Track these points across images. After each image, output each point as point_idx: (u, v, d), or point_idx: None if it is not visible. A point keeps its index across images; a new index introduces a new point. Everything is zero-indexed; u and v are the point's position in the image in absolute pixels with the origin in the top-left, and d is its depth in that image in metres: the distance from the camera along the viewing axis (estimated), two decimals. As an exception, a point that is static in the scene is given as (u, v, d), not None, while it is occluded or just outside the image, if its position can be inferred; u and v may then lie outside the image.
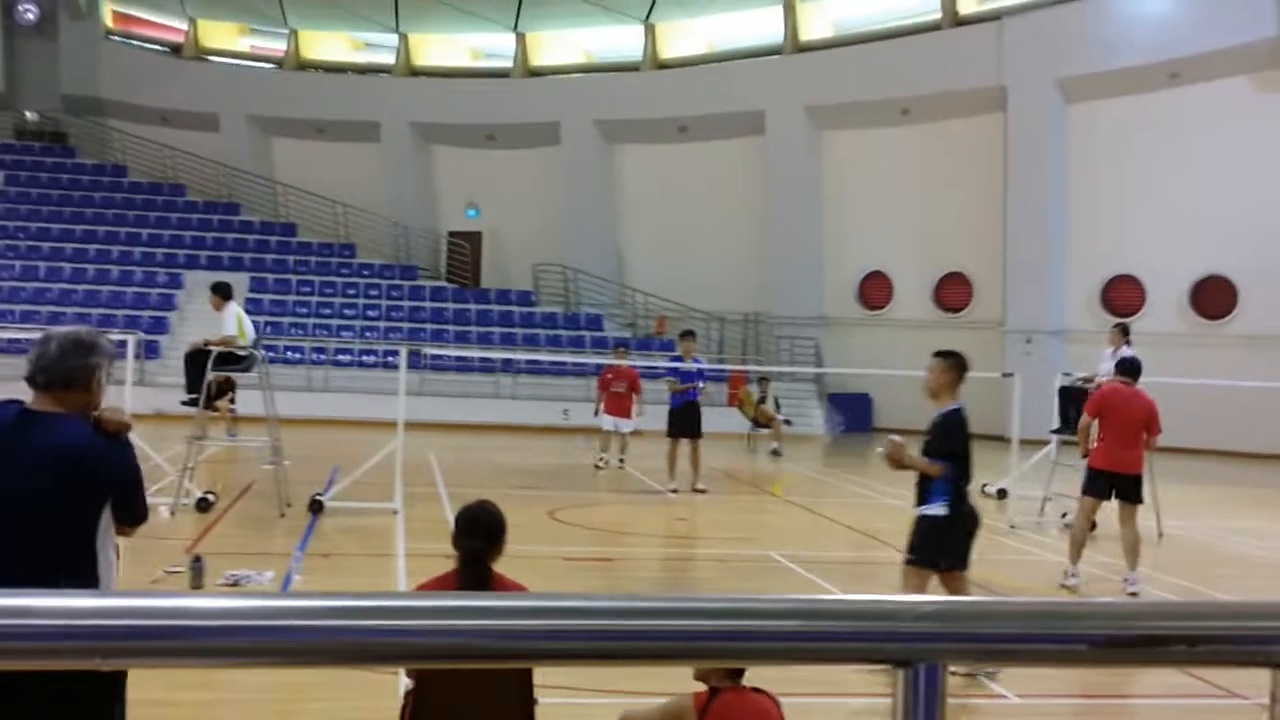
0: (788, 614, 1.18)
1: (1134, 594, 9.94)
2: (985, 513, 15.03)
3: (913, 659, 1.17)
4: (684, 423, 16.04)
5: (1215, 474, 21.24)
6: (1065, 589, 10.31)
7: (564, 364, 27.36)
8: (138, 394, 16.01)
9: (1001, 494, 16.04)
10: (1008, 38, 26.90)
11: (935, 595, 7.55)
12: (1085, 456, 10.66)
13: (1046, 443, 15.29)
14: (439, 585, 4.42)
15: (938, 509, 7.44)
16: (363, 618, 1.20)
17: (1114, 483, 10.30)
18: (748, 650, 1.23)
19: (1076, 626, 1.20)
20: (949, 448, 7.37)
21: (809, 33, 30.43)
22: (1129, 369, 10.74)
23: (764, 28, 30.74)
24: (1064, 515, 13.92)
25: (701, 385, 16.70)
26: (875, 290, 30.46)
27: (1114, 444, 10.26)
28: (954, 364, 7.56)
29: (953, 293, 29.50)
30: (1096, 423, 10.42)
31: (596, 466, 18.25)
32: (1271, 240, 24.55)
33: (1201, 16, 24.39)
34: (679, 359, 17.08)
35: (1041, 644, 1.20)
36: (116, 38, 35.30)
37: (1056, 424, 14.72)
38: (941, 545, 7.49)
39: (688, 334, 17.15)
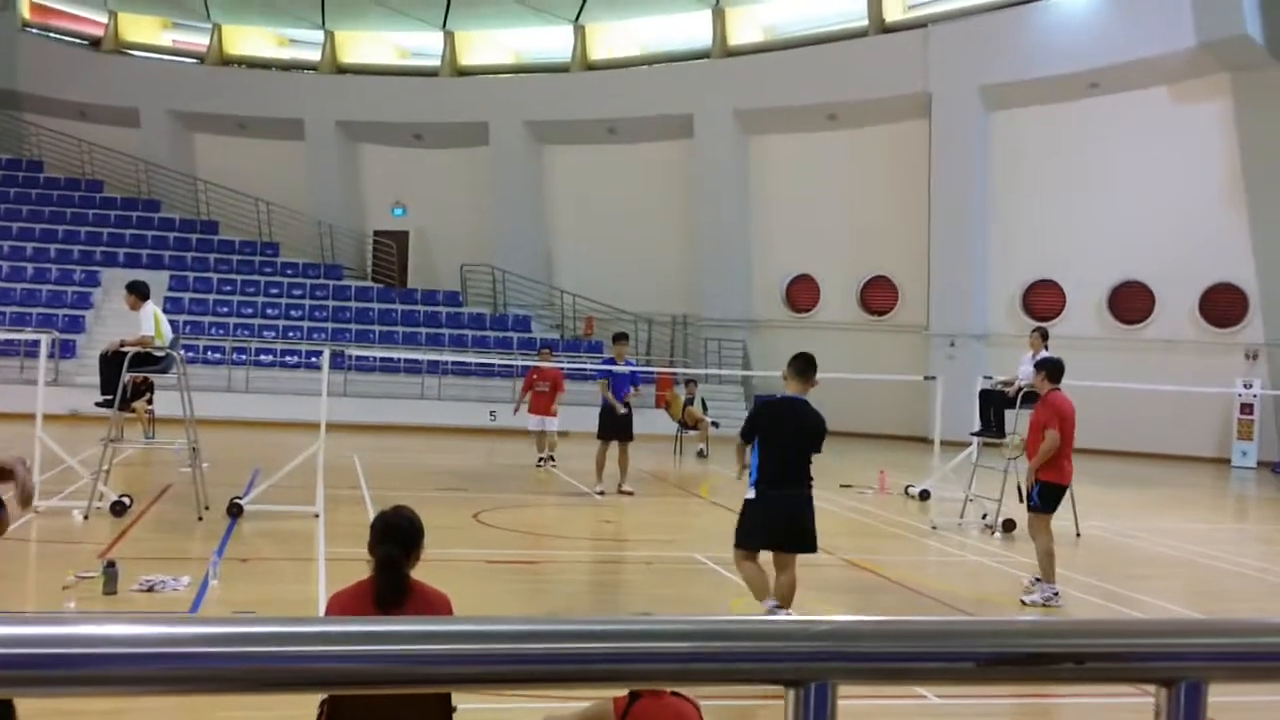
0: (682, 635, 1.18)
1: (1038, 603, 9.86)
2: (909, 514, 15.28)
3: (804, 679, 1.17)
4: (616, 424, 16.06)
5: (1132, 475, 21.70)
6: (1048, 608, 9.74)
7: (491, 365, 27.22)
8: (52, 394, 15.70)
9: (924, 495, 16.24)
10: (933, 45, 27.26)
11: (764, 572, 8.29)
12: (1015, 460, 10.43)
13: (968, 444, 15.51)
14: (354, 593, 4.38)
15: (748, 492, 8.25)
16: (270, 644, 1.18)
17: (1063, 495, 10.24)
18: (640, 673, 1.23)
19: (964, 645, 1.21)
20: (748, 429, 8.32)
21: (738, 37, 30.60)
22: (1058, 372, 10.35)
23: (693, 31, 30.86)
24: (984, 516, 14.14)
25: (635, 390, 16.77)
26: (802, 293, 30.70)
27: (1068, 456, 10.05)
28: (792, 366, 8.58)
29: (878, 296, 29.83)
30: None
31: (538, 465, 18.41)
32: (1187, 247, 25.16)
33: (1121, 28, 24.90)
34: (611, 361, 17.11)
35: (930, 662, 1.22)
36: (34, 30, 34.46)
37: (977, 426, 14.93)
38: (743, 526, 8.22)
39: (620, 337, 17.23)
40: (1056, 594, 9.83)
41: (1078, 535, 13.61)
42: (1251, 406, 24.37)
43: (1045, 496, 9.99)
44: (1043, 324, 18.41)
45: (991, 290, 27.81)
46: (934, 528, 14.02)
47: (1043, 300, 27.46)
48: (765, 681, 1.21)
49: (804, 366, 8.46)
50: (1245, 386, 23.81)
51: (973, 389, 15.59)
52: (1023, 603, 9.88)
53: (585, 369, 22.85)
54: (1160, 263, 25.67)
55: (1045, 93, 26.29)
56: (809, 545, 8.19)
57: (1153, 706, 1.35)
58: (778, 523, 8.10)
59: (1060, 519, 13.91)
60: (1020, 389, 13.95)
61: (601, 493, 15.65)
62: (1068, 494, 13.65)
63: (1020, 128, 27.05)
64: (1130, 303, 26.52)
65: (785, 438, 8.12)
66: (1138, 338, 26.20)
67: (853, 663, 1.20)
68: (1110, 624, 1.31)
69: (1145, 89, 25.37)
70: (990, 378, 15.62)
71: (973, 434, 15.11)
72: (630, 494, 15.77)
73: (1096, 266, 26.41)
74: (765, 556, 8.46)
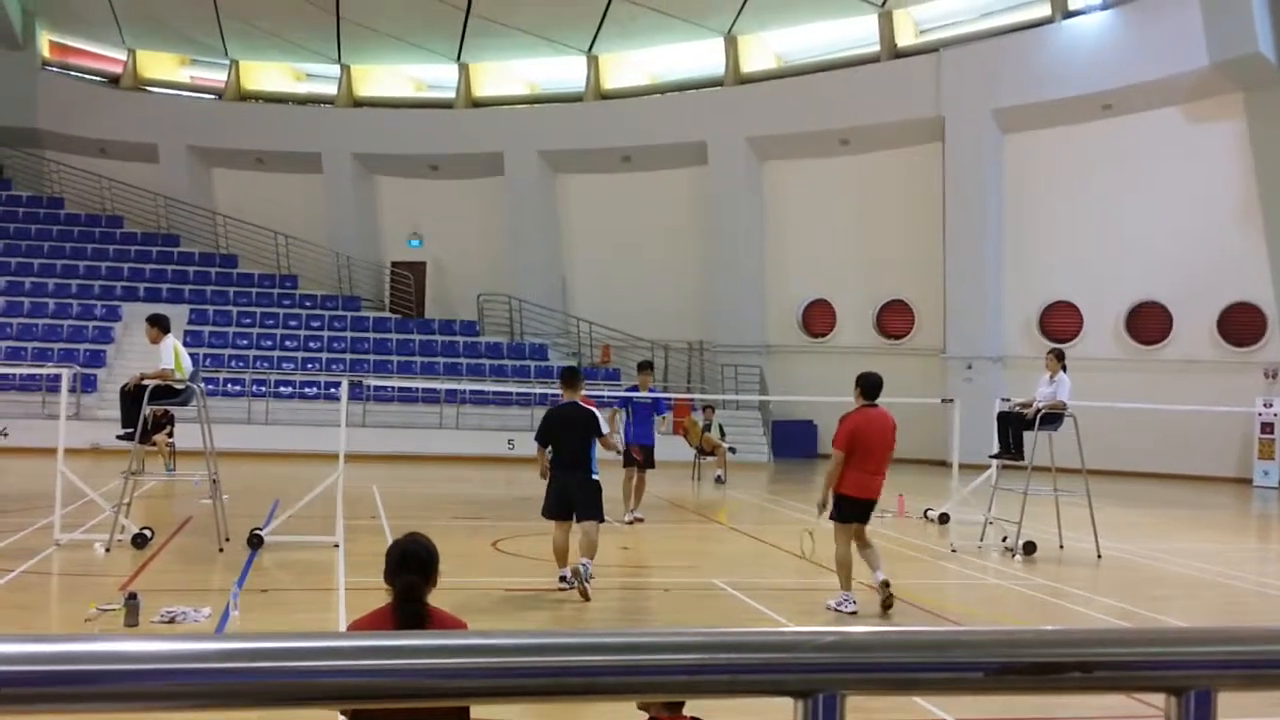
0: (689, 647, 1.19)
1: (885, 582, 9.90)
2: (928, 538, 15.22)
3: (812, 690, 1.18)
4: (641, 454, 16.11)
5: (1151, 496, 21.56)
6: (840, 613, 9.93)
7: (509, 394, 27.28)
8: (74, 428, 15.78)
9: (944, 518, 16.17)
10: (945, 69, 27.33)
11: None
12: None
13: (987, 467, 15.44)
14: (373, 620, 4.39)
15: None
16: (291, 660, 1.20)
17: (862, 508, 10.10)
18: (649, 685, 1.24)
19: (972, 655, 1.22)
20: (541, 434, 10.80)
21: (750, 64, 30.74)
22: (868, 388, 10.16)
23: (705, 59, 31.00)
24: (1004, 539, 14.08)
25: (662, 418, 16.88)
26: (818, 318, 30.70)
27: (865, 471, 9.98)
28: (563, 379, 11.24)
29: (895, 320, 29.80)
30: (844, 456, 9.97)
31: None
32: (1204, 266, 25.07)
33: (1134, 49, 24.92)
34: (634, 388, 17.11)
35: (938, 673, 1.23)
36: (53, 68, 34.86)
37: (996, 449, 14.86)
38: (545, 502, 10.64)
39: (645, 366, 17.26)
40: (848, 601, 9.97)
41: (1099, 556, 13.54)
42: (1272, 426, 24.21)
43: (839, 507, 10.05)
44: (1059, 345, 18.34)
45: (1008, 312, 27.75)
46: (954, 551, 13.96)
47: (1060, 322, 27.38)
48: (772, 693, 1.22)
49: (572, 378, 11.10)
50: (1265, 406, 23.65)
51: (991, 412, 15.52)
52: (827, 606, 10.11)
53: (600, 396, 22.86)
54: (1177, 282, 25.59)
55: (1058, 115, 26.31)
56: (591, 514, 10.49)
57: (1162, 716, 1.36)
58: (564, 496, 10.47)
59: (1081, 540, 13.90)
60: (1039, 410, 13.90)
61: (636, 520, 15.60)
62: (1084, 515, 13.62)
63: (1034, 150, 27.06)
64: (1148, 323, 26.42)
65: (565, 434, 10.55)
66: (1156, 358, 26.09)
67: (860, 673, 1.21)
68: (1118, 633, 1.32)
69: (1159, 109, 25.36)
70: (1008, 400, 15.55)
71: (991, 456, 15.04)
72: (640, 520, 15.72)
73: (1113, 287, 26.34)
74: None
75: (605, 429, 10.85)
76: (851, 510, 10.04)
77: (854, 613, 9.89)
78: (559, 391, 18.80)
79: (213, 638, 1.28)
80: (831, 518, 10.15)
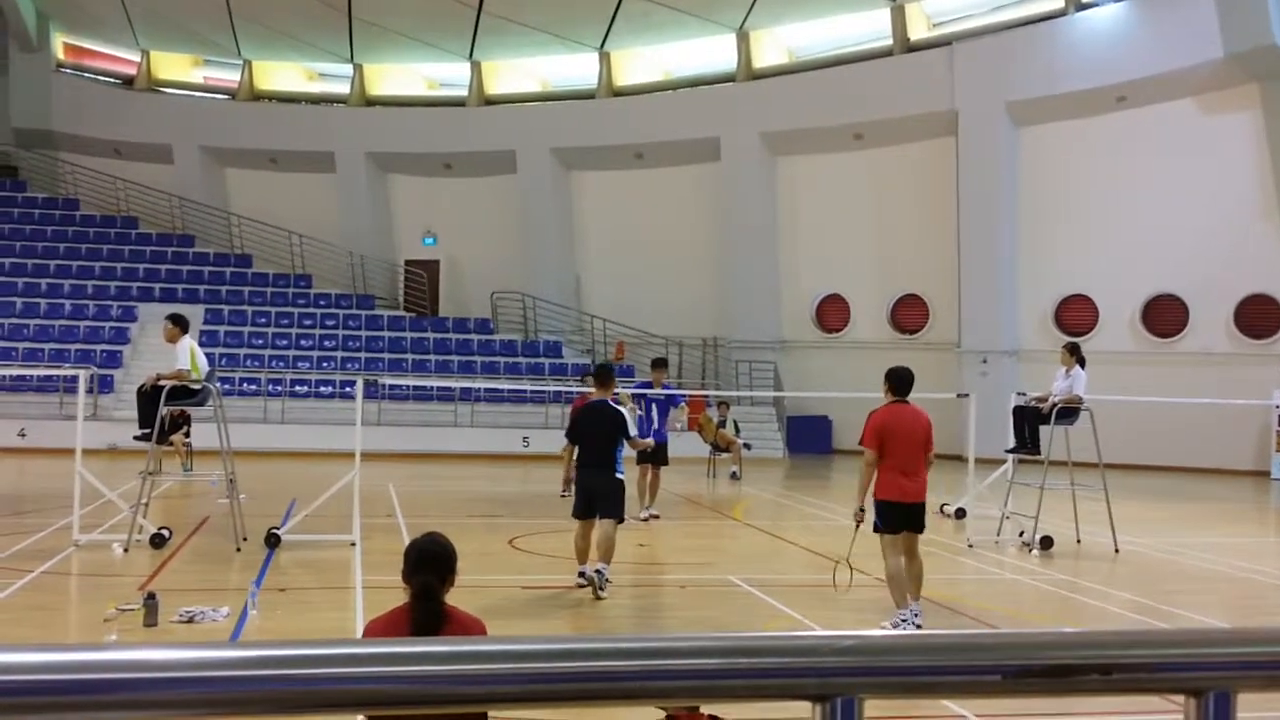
0: (709, 652, 1.20)
1: (919, 626, 9.10)
2: (943, 533, 15.20)
3: (830, 694, 1.19)
4: (654, 450, 16.09)
5: (1168, 489, 21.48)
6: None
7: (523, 392, 27.31)
8: (91, 429, 15.85)
9: (960, 514, 16.12)
10: (958, 63, 27.24)
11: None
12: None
13: (1003, 462, 15.40)
14: (390, 620, 4.41)
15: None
16: (307, 666, 1.21)
17: (904, 514, 9.34)
18: (668, 689, 1.24)
19: (990, 658, 1.22)
20: (570, 431, 11.00)
21: (762, 60, 30.69)
22: (898, 383, 9.55)
23: (718, 55, 30.96)
24: (1021, 533, 14.05)
25: (680, 420, 16.86)
26: (832, 313, 30.65)
27: (900, 473, 9.28)
28: (596, 376, 11.38)
29: (909, 315, 29.73)
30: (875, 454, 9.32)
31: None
32: (1220, 259, 24.95)
33: (1148, 40, 24.81)
34: (648, 384, 17.11)
35: (956, 676, 1.23)
36: (67, 70, 35.00)
37: (1012, 443, 14.83)
38: (575, 501, 10.82)
39: (659, 363, 17.26)
40: (905, 621, 9.12)
41: (1116, 551, 13.50)
42: (1290, 418, 24.08)
43: (880, 515, 9.33)
44: (1074, 339, 18.28)
45: (1023, 306, 27.67)
46: (970, 546, 13.92)
47: (1075, 315, 27.28)
48: (791, 697, 1.22)
49: (605, 376, 11.20)
50: (1283, 398, 23.53)
51: (1006, 406, 15.47)
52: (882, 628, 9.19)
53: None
54: (1193, 275, 25.47)
55: (1072, 107, 26.21)
56: (611, 512, 10.48)
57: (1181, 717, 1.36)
58: (588, 494, 10.55)
59: (1098, 535, 13.86)
60: (1054, 405, 13.86)
61: (646, 518, 15.58)
62: (1101, 508, 13.59)
63: (1048, 143, 26.96)
64: (1164, 316, 26.31)
65: (591, 432, 10.55)
66: (1172, 351, 25.98)
67: (879, 677, 1.21)
68: (1137, 634, 1.32)
69: (1173, 101, 25.24)
70: (1024, 394, 15.49)
71: (1008, 451, 15.01)
72: (656, 517, 15.72)
73: (1129, 280, 26.23)
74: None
75: (634, 431, 10.80)
76: (895, 517, 9.29)
77: (920, 627, 9.01)
78: (577, 389, 18.98)
79: (232, 645, 1.28)
80: (875, 529, 9.39)
